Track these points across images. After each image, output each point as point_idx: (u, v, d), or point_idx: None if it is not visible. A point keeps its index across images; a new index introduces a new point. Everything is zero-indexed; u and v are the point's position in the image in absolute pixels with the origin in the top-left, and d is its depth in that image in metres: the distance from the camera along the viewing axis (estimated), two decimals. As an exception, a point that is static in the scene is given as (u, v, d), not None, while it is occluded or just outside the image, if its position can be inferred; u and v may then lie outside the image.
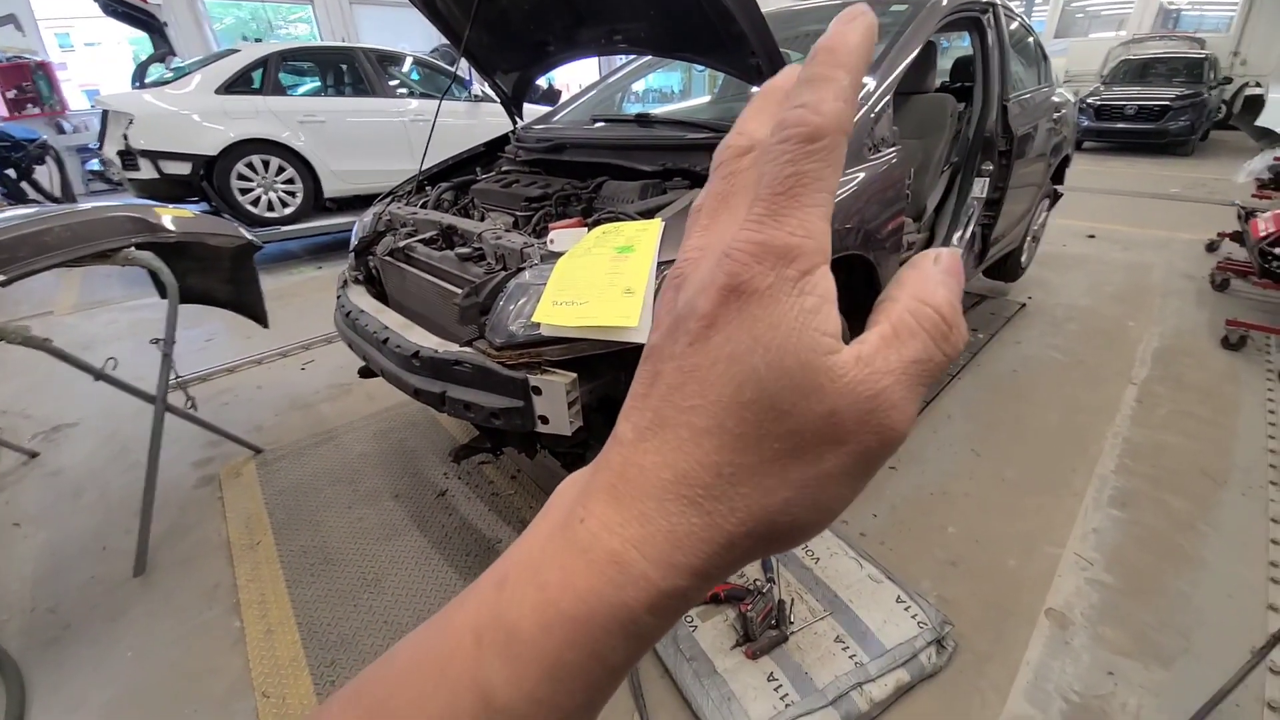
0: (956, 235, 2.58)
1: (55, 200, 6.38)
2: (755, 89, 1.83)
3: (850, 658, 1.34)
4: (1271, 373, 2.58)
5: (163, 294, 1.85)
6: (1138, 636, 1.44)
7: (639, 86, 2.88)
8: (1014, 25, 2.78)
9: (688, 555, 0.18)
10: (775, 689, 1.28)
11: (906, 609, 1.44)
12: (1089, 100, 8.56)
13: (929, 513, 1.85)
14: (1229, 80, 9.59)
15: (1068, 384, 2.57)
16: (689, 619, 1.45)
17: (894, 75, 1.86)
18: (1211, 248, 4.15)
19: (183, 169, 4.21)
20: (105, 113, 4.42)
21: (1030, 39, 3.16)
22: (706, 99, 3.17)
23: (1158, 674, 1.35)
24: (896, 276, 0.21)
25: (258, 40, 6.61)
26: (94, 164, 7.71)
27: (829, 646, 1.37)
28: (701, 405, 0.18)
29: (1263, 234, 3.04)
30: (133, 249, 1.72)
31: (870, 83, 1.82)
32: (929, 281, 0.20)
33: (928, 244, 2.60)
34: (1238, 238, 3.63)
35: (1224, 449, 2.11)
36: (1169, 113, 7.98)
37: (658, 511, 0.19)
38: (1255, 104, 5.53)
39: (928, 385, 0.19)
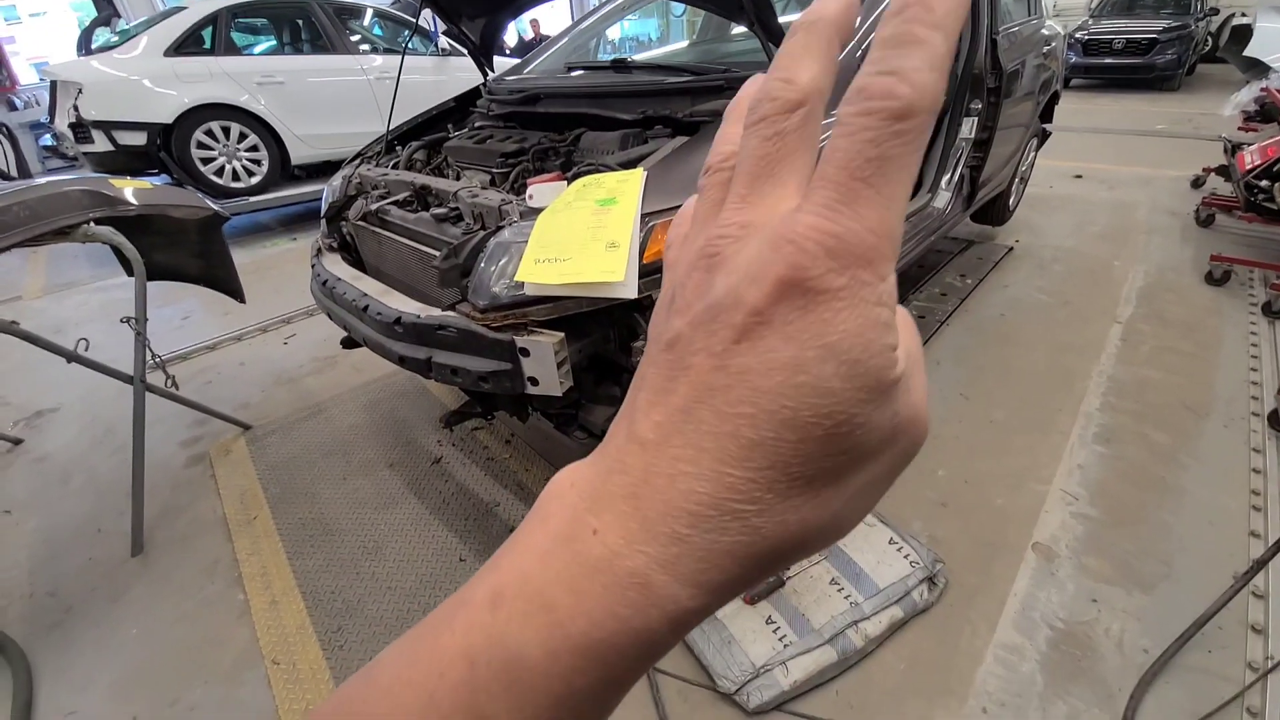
0: (945, 178, 2.54)
1: (10, 180, 6.10)
2: (736, 29, 1.75)
3: (845, 598, 1.38)
4: (1254, 306, 2.61)
5: (129, 271, 1.78)
6: (1121, 565, 1.49)
7: (614, 34, 2.75)
8: (1003, -47, 2.67)
9: (723, 573, 0.17)
10: (774, 631, 1.32)
11: (899, 550, 1.47)
12: (1077, 35, 8.35)
13: (919, 457, 1.86)
14: (1215, 10, 9.37)
15: (1054, 325, 2.59)
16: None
17: (880, 9, 1.78)
18: (1197, 183, 4.13)
19: (138, 139, 4.00)
20: (53, 84, 4.16)
21: (1019, -32, 3.04)
22: (685, 44, 3.04)
23: (1139, 599, 1.40)
24: None
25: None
26: (48, 139, 7.36)
27: (824, 589, 1.41)
28: (755, 414, 0.16)
29: (1249, 167, 3.03)
30: (91, 224, 1.64)
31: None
32: None
33: (915, 189, 2.56)
34: (1223, 172, 3.61)
35: (1206, 383, 2.14)
36: (1156, 46, 7.82)
37: (692, 528, 0.16)
38: (1242, 34, 5.41)
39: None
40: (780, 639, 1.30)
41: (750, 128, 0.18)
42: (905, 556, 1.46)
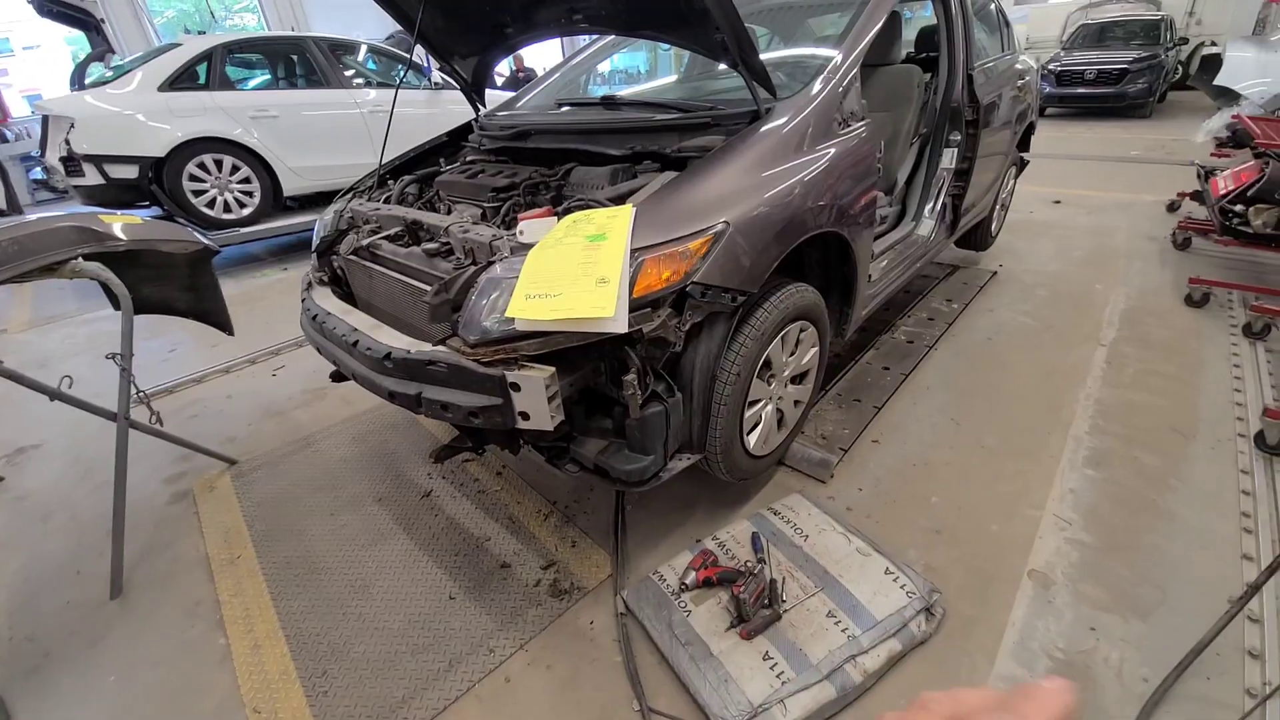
0: (928, 207, 2.59)
1: (2, 214, 6.08)
2: (723, 66, 1.80)
3: (843, 631, 1.36)
4: (1234, 327, 2.66)
5: (117, 305, 1.77)
6: (1117, 592, 1.48)
7: (604, 68, 2.81)
8: (976, -8, 2.78)
9: None
10: (771, 667, 1.29)
11: (895, 580, 1.46)
12: (1050, 67, 8.64)
13: (912, 483, 1.88)
14: (1185, 40, 9.73)
15: (1040, 349, 2.62)
16: (683, 604, 1.45)
17: (860, 47, 1.84)
18: (1172, 208, 4.24)
19: (129, 172, 4.02)
20: (45, 118, 4.19)
21: (992, 6, 3.16)
22: (674, 78, 3.12)
23: (1137, 627, 1.39)
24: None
25: (201, 33, 6.31)
26: (38, 173, 7.37)
27: (821, 622, 1.39)
28: None
29: (1223, 191, 3.11)
30: (80, 260, 1.64)
31: (837, 55, 1.80)
32: None
33: (900, 217, 2.61)
34: (1198, 197, 3.71)
35: (1191, 405, 2.17)
36: (1127, 75, 8.10)
37: None
38: (1212, 63, 5.63)
39: None
40: (778, 675, 1.28)
41: None
42: (902, 587, 1.44)
